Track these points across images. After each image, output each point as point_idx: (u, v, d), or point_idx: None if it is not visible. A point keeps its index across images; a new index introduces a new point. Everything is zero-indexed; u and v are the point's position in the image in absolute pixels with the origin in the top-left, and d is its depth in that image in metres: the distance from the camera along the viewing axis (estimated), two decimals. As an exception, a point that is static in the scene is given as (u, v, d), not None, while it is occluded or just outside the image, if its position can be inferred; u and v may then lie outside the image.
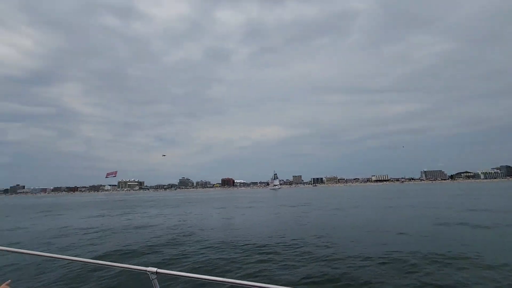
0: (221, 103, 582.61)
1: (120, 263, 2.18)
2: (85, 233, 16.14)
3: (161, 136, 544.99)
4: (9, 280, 2.07)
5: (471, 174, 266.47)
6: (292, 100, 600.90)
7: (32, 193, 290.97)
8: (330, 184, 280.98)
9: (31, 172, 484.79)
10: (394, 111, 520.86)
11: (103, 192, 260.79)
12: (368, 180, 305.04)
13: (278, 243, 11.62)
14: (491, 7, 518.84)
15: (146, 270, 1.96)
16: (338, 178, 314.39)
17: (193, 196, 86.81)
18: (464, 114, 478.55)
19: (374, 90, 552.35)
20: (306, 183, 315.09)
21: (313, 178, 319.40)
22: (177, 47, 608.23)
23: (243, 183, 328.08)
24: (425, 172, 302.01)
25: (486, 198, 35.38)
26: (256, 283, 1.75)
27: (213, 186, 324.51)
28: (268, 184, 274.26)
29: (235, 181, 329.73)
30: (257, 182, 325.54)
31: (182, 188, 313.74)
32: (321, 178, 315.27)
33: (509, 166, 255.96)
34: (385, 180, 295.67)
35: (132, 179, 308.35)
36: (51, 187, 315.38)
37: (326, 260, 9.01)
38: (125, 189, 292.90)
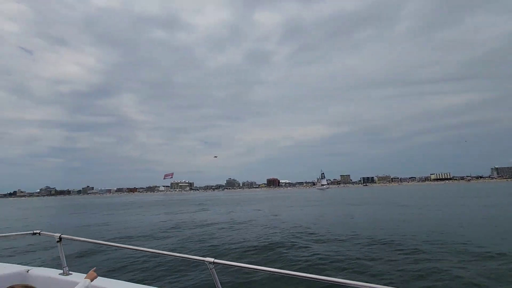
0: (262, 104, 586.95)
1: (183, 254, 2.27)
2: (210, 227, 16.73)
3: (206, 139, 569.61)
4: (95, 267, 2.28)
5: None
6: (334, 97, 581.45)
7: (99, 194, 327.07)
8: (382, 184, 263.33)
9: (96, 175, 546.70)
10: (449, 102, 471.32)
11: (158, 193, 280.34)
12: (427, 178, 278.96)
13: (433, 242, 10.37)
14: None
15: (204, 260, 2.04)
16: (392, 177, 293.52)
17: (247, 195, 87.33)
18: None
19: (424, 81, 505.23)
20: (355, 182, 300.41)
21: (363, 178, 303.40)
22: (219, 52, 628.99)
23: (289, 183, 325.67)
24: (496, 169, 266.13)
25: None
26: (326, 277, 1.68)
27: (258, 186, 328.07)
28: (314, 184, 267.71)
29: (280, 181, 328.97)
30: (302, 182, 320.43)
31: (229, 188, 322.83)
32: (372, 178, 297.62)
33: None
34: (447, 179, 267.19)
35: (183, 180, 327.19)
36: (115, 188, 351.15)
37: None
38: (177, 189, 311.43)
